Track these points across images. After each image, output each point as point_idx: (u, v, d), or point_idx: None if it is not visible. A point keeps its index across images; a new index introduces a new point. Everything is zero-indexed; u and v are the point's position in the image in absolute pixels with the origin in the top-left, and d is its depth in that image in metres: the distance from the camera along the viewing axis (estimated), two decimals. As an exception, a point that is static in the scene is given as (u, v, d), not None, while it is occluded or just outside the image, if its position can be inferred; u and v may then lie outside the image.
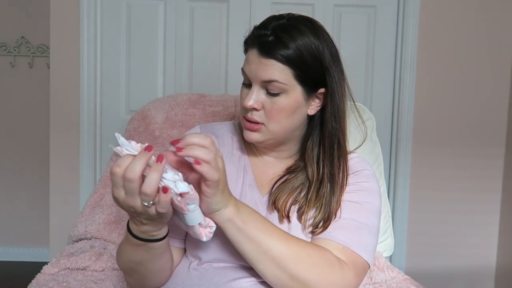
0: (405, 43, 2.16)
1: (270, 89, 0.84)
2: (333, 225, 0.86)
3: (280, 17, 0.87)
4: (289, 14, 0.89)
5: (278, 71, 0.83)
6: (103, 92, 2.18)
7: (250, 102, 0.85)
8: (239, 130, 1.01)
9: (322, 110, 0.90)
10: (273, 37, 0.83)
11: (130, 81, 2.18)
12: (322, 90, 0.88)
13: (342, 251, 0.83)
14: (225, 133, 1.00)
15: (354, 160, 0.96)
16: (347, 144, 0.93)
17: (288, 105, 0.85)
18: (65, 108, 2.14)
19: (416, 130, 2.19)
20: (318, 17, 2.18)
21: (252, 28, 0.89)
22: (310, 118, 0.91)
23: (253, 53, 0.84)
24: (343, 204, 0.89)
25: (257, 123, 0.86)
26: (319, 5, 2.17)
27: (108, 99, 2.18)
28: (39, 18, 2.66)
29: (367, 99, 2.21)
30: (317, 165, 0.90)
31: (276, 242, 0.77)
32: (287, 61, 0.83)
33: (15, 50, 2.74)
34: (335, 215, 0.86)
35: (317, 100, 0.90)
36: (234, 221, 0.75)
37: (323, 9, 2.17)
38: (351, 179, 0.91)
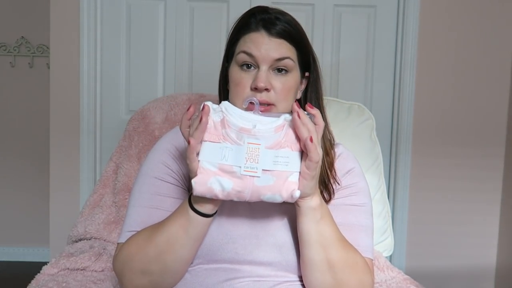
0: (405, 43, 2.16)
1: (281, 66, 0.87)
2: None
3: (266, 7, 0.91)
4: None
5: (288, 49, 0.87)
6: (103, 92, 2.18)
7: (264, 83, 0.84)
8: None
9: (304, 94, 0.96)
10: (279, 20, 0.87)
11: (130, 81, 2.18)
12: (307, 74, 0.94)
13: (366, 260, 0.88)
14: None
15: (341, 151, 0.98)
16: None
17: (294, 83, 0.89)
18: (65, 108, 2.14)
19: (416, 130, 2.19)
20: (318, 17, 2.21)
21: (241, 17, 0.93)
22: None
23: (261, 35, 0.86)
24: (343, 207, 0.90)
25: (268, 104, 0.86)
26: (319, 5, 2.17)
27: (108, 99, 2.18)
28: (39, 18, 2.66)
29: (367, 99, 2.21)
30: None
31: (340, 253, 0.81)
32: (294, 41, 0.88)
33: (15, 50, 2.74)
34: (333, 183, 0.92)
35: (302, 84, 0.95)
36: (316, 212, 0.78)
37: (323, 9, 2.17)
38: (344, 180, 0.93)
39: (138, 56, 2.17)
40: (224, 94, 0.98)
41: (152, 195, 0.89)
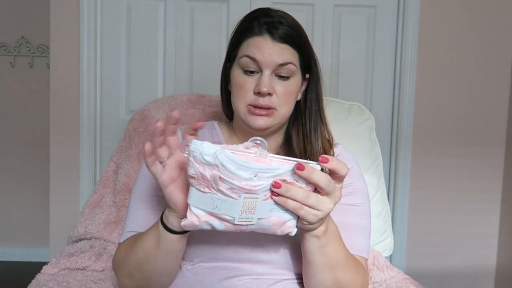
0: (405, 43, 2.16)
1: (284, 72, 0.88)
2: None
3: (268, 10, 0.92)
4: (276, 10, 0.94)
5: (291, 54, 0.88)
6: (103, 92, 2.17)
7: (267, 88, 0.86)
8: (219, 130, 1.02)
9: (304, 95, 0.96)
10: (283, 24, 0.88)
11: (130, 81, 2.18)
12: (307, 75, 0.94)
13: (360, 259, 0.88)
14: (205, 132, 1.01)
15: (339, 150, 0.98)
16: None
17: (295, 88, 0.91)
18: (65, 108, 2.14)
19: (416, 130, 2.19)
20: (318, 17, 2.21)
21: (244, 20, 0.93)
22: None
23: (265, 40, 0.87)
24: (339, 207, 0.89)
25: (269, 108, 0.88)
26: (319, 5, 2.17)
27: (108, 99, 2.18)
28: (39, 18, 2.66)
29: (367, 99, 2.21)
30: (304, 147, 0.94)
31: (342, 257, 0.80)
32: (296, 45, 0.89)
33: (15, 50, 2.74)
34: None
35: (302, 86, 0.95)
36: (320, 239, 0.75)
37: (323, 9, 2.17)
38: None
39: (138, 56, 2.16)
40: (226, 95, 0.98)
41: (150, 196, 0.90)
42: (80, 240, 1.31)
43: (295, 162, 0.63)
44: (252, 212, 0.64)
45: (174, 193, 0.71)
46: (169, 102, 1.39)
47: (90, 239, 1.29)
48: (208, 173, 0.62)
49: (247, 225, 0.66)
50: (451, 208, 2.23)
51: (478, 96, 2.21)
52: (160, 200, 0.89)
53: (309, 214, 0.67)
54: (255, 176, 0.62)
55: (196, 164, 0.62)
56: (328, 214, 0.70)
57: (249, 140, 0.65)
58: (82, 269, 1.17)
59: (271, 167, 0.62)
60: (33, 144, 2.79)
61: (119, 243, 0.90)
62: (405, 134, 2.18)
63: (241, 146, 0.64)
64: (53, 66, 2.14)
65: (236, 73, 0.90)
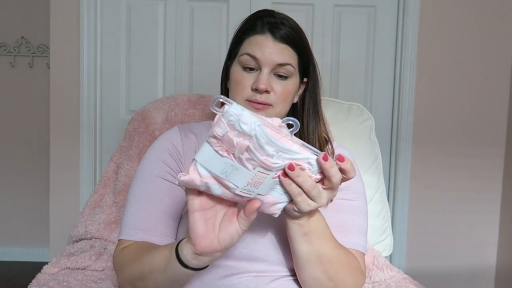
0: (405, 43, 2.16)
1: (282, 72, 0.89)
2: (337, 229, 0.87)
3: (272, 11, 0.93)
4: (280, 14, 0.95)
5: (290, 56, 0.90)
6: (103, 92, 2.18)
7: (265, 85, 0.87)
8: None
9: (302, 99, 0.98)
10: (285, 25, 0.89)
11: (130, 81, 2.18)
12: (305, 79, 0.96)
13: (357, 254, 0.89)
14: (203, 131, 1.01)
15: (335, 146, 1.00)
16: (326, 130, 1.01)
17: (292, 89, 0.92)
18: (65, 108, 2.14)
19: (416, 130, 2.19)
20: (318, 17, 2.22)
21: (247, 19, 0.94)
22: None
23: (266, 38, 0.89)
24: (335, 201, 0.90)
25: (266, 105, 0.89)
26: (319, 5, 2.17)
27: (108, 99, 2.18)
28: (39, 18, 2.66)
29: (367, 99, 2.21)
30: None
31: (329, 248, 0.80)
32: (296, 47, 0.91)
33: (15, 50, 2.74)
34: None
35: (300, 89, 0.97)
36: (302, 226, 0.76)
37: (323, 9, 2.17)
38: None
39: (138, 56, 2.17)
40: (225, 93, 0.99)
41: (153, 192, 0.90)
42: (81, 240, 1.31)
43: (314, 151, 0.66)
44: (256, 187, 0.65)
45: (197, 222, 0.66)
46: (169, 102, 1.40)
47: (90, 239, 1.29)
48: (236, 139, 0.60)
49: (245, 196, 0.66)
50: (451, 208, 2.23)
51: (478, 96, 2.21)
52: (161, 197, 0.89)
53: (304, 203, 0.68)
54: (276, 154, 0.63)
55: (227, 127, 0.59)
56: (319, 207, 0.71)
57: (282, 120, 0.64)
58: (82, 269, 1.17)
59: (293, 150, 0.64)
60: (33, 144, 2.79)
61: (123, 240, 0.89)
62: (405, 134, 2.18)
63: (270, 120, 0.64)
64: (53, 66, 2.14)
65: (236, 70, 0.92)
